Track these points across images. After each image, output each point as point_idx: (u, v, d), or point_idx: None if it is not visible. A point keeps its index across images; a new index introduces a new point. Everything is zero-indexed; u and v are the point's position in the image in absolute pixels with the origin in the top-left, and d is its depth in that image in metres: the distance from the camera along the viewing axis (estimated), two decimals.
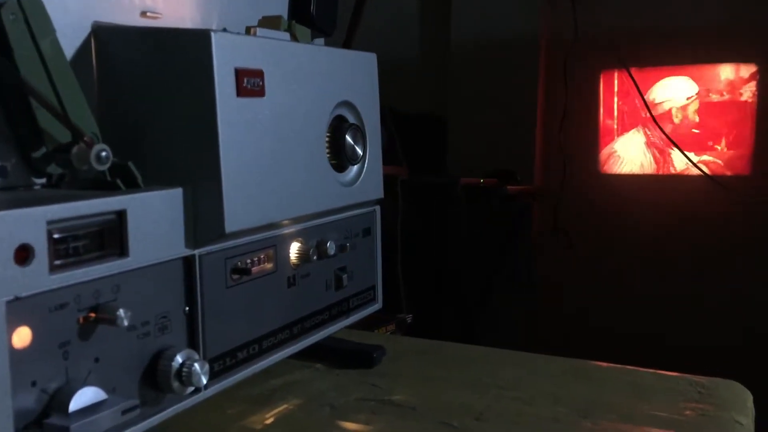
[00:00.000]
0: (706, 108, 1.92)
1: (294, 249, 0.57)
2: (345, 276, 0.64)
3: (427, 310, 1.96)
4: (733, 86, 1.88)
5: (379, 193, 0.67)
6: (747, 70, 1.87)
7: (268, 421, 0.57)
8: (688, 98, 1.93)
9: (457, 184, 1.94)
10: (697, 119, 1.93)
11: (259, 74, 0.49)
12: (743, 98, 1.88)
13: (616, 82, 2.02)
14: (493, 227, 2.06)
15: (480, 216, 2.05)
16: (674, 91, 1.94)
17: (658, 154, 1.98)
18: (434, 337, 0.79)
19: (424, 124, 2.17)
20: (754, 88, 1.86)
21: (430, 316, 1.98)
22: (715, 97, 1.90)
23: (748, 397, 0.62)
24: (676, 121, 1.94)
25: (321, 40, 0.70)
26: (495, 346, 0.75)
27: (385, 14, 2.19)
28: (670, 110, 1.96)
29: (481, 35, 2.10)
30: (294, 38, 0.59)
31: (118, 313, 0.40)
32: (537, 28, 2.06)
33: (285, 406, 0.60)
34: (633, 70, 1.96)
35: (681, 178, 1.96)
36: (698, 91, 1.92)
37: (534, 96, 2.07)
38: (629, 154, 2.02)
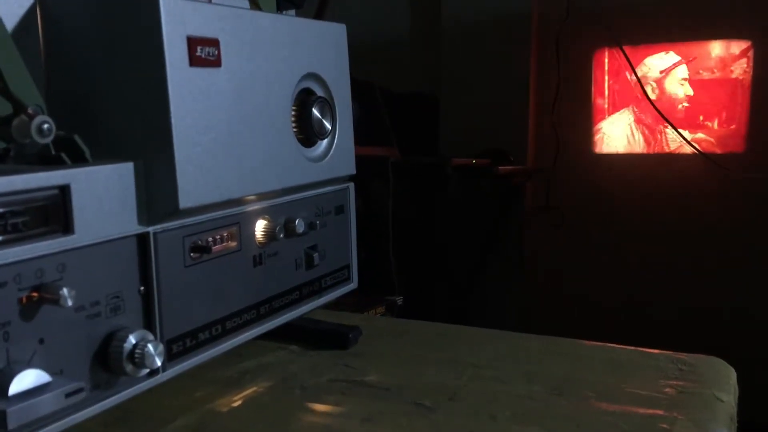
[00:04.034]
0: (697, 85, 1.90)
1: (260, 227, 0.55)
2: (316, 255, 0.62)
3: (419, 292, 1.95)
4: (724, 63, 1.86)
5: (350, 169, 0.65)
6: (738, 46, 1.85)
7: (236, 404, 0.55)
8: (661, 72, 1.91)
9: (448, 164, 1.92)
10: (682, 93, 1.91)
11: (214, 43, 0.47)
12: (734, 75, 1.85)
13: (606, 60, 2.00)
14: (485, 207, 2.05)
15: (472, 196, 2.04)
16: (654, 65, 1.92)
17: (648, 133, 1.96)
18: (426, 318, 0.77)
19: (415, 104, 2.15)
20: (745, 65, 1.84)
21: (422, 297, 1.97)
22: (706, 75, 1.88)
23: (731, 374, 0.61)
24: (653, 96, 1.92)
25: (291, 13, 0.68)
26: (487, 324, 0.74)
27: None
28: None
29: (472, 13, 2.08)
30: (256, 7, 0.57)
31: (61, 292, 0.38)
32: (529, 6, 2.03)
33: (254, 388, 0.58)
34: (626, 48, 1.93)
35: (673, 157, 1.94)
36: (678, 62, 1.90)
37: (526, 74, 2.05)
38: (616, 133, 2.00)
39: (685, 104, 1.90)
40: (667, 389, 0.57)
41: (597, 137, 2.03)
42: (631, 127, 1.97)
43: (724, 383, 0.59)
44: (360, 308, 1.45)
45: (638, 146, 1.98)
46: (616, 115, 1.99)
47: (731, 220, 1.86)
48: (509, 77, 2.05)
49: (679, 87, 1.90)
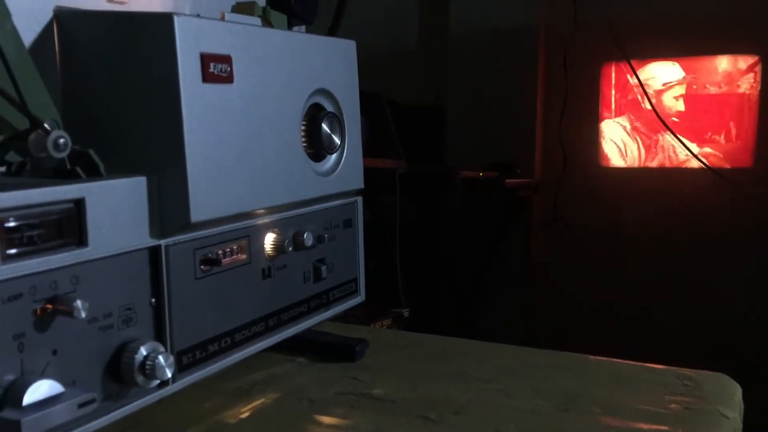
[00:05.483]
0: (703, 100, 1.90)
1: (269, 240, 0.56)
2: (324, 268, 0.63)
3: (426, 304, 1.95)
4: (731, 78, 1.86)
5: (359, 183, 0.65)
6: (745, 61, 1.85)
7: (244, 416, 0.56)
8: (663, 84, 1.91)
9: (455, 176, 1.92)
10: (680, 107, 1.91)
11: (226, 60, 0.48)
12: (741, 90, 1.86)
13: (613, 74, 2.00)
14: (492, 220, 2.05)
15: (479, 209, 2.04)
16: (655, 76, 1.93)
17: (647, 141, 1.97)
18: (432, 330, 0.78)
19: (422, 115, 2.15)
20: (752, 80, 1.84)
21: (428, 309, 1.97)
22: (713, 90, 1.88)
23: (737, 390, 0.61)
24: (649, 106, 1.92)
25: (302, 28, 0.69)
26: (493, 336, 0.74)
27: (384, 4, 2.18)
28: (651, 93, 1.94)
29: (479, 25, 2.08)
30: (268, 24, 0.58)
31: (75, 304, 0.39)
32: (536, 18, 2.04)
33: (262, 400, 0.59)
34: (633, 62, 1.94)
35: (681, 171, 1.94)
36: (684, 77, 1.90)
37: (533, 86, 2.06)
38: (613, 138, 2.00)
39: (674, 119, 1.91)
40: (672, 405, 0.57)
41: (601, 149, 2.03)
42: (625, 137, 1.98)
43: (729, 400, 0.59)
44: (367, 320, 1.45)
45: (639, 159, 1.98)
46: (611, 123, 1.99)
47: (739, 234, 1.86)
48: (516, 90, 2.05)
49: (683, 101, 1.91)
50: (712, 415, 0.55)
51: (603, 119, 2.02)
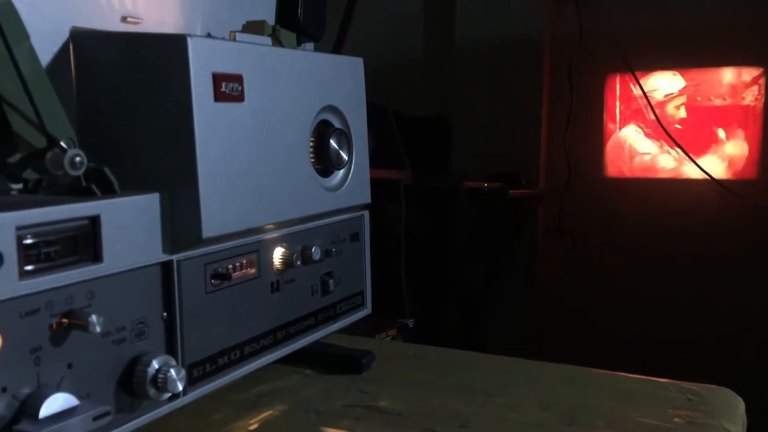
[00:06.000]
0: (708, 112, 1.91)
1: (278, 254, 0.57)
2: (332, 281, 0.63)
3: (430, 314, 1.96)
4: (735, 90, 1.87)
5: (366, 198, 0.66)
6: (749, 73, 1.86)
7: (252, 427, 0.57)
8: (665, 95, 1.92)
9: (460, 187, 1.93)
10: (683, 115, 1.92)
11: (238, 79, 0.49)
12: (746, 102, 1.86)
13: (618, 86, 2.01)
14: (497, 230, 2.06)
15: (484, 219, 2.05)
16: (658, 87, 1.94)
17: (655, 151, 1.98)
18: (437, 340, 0.78)
19: (428, 126, 2.17)
20: (756, 92, 1.84)
21: (433, 320, 1.98)
22: (717, 102, 1.89)
23: (740, 405, 0.62)
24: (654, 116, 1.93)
25: (310, 45, 0.70)
26: (498, 347, 0.75)
27: (389, 16, 2.19)
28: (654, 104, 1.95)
29: (485, 36, 2.09)
30: (278, 43, 0.59)
31: (90, 318, 0.40)
32: (541, 30, 2.05)
33: (270, 411, 0.59)
34: (638, 74, 1.95)
35: (686, 182, 1.94)
36: (685, 86, 1.91)
37: (539, 98, 2.06)
38: (624, 148, 2.00)
39: (678, 126, 1.92)
40: (675, 419, 0.57)
41: (607, 159, 2.03)
42: (636, 145, 1.98)
43: (732, 414, 0.59)
44: (372, 330, 1.45)
45: (650, 158, 1.98)
46: (627, 133, 2.00)
47: (744, 246, 1.86)
48: (521, 100, 2.06)
49: (685, 110, 1.92)
50: (715, 429, 0.56)
51: (607, 130, 2.03)
